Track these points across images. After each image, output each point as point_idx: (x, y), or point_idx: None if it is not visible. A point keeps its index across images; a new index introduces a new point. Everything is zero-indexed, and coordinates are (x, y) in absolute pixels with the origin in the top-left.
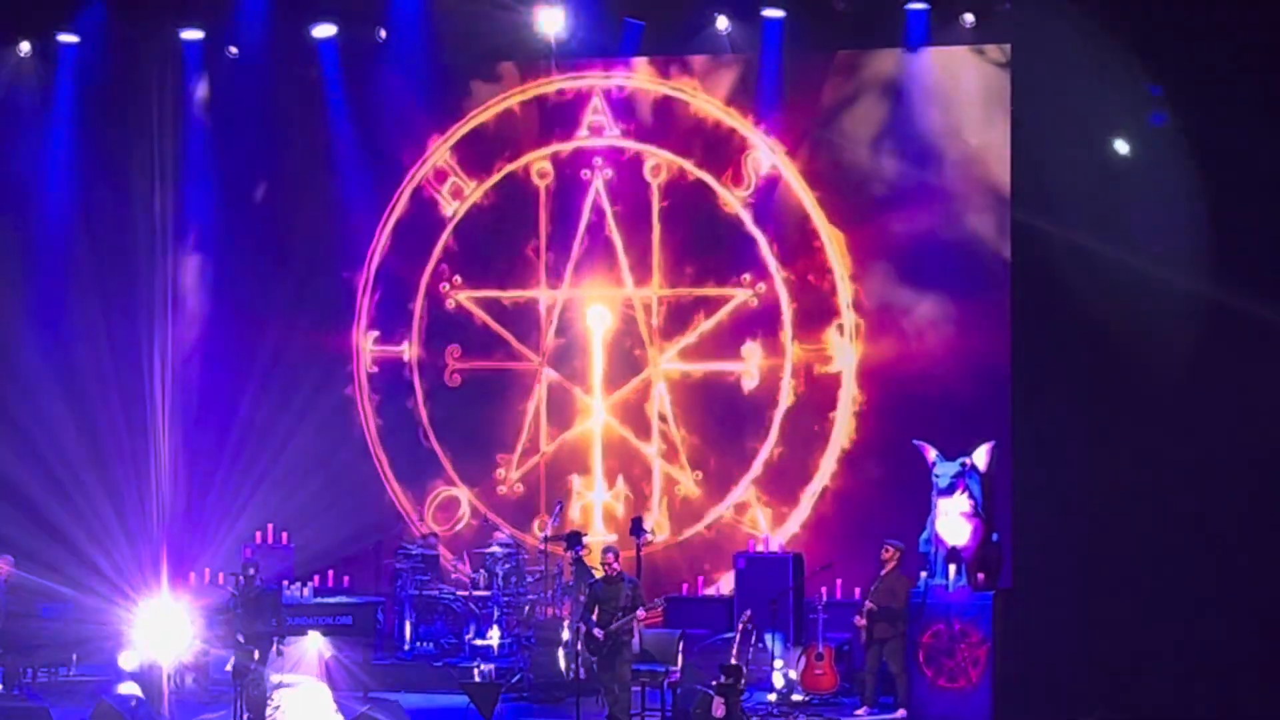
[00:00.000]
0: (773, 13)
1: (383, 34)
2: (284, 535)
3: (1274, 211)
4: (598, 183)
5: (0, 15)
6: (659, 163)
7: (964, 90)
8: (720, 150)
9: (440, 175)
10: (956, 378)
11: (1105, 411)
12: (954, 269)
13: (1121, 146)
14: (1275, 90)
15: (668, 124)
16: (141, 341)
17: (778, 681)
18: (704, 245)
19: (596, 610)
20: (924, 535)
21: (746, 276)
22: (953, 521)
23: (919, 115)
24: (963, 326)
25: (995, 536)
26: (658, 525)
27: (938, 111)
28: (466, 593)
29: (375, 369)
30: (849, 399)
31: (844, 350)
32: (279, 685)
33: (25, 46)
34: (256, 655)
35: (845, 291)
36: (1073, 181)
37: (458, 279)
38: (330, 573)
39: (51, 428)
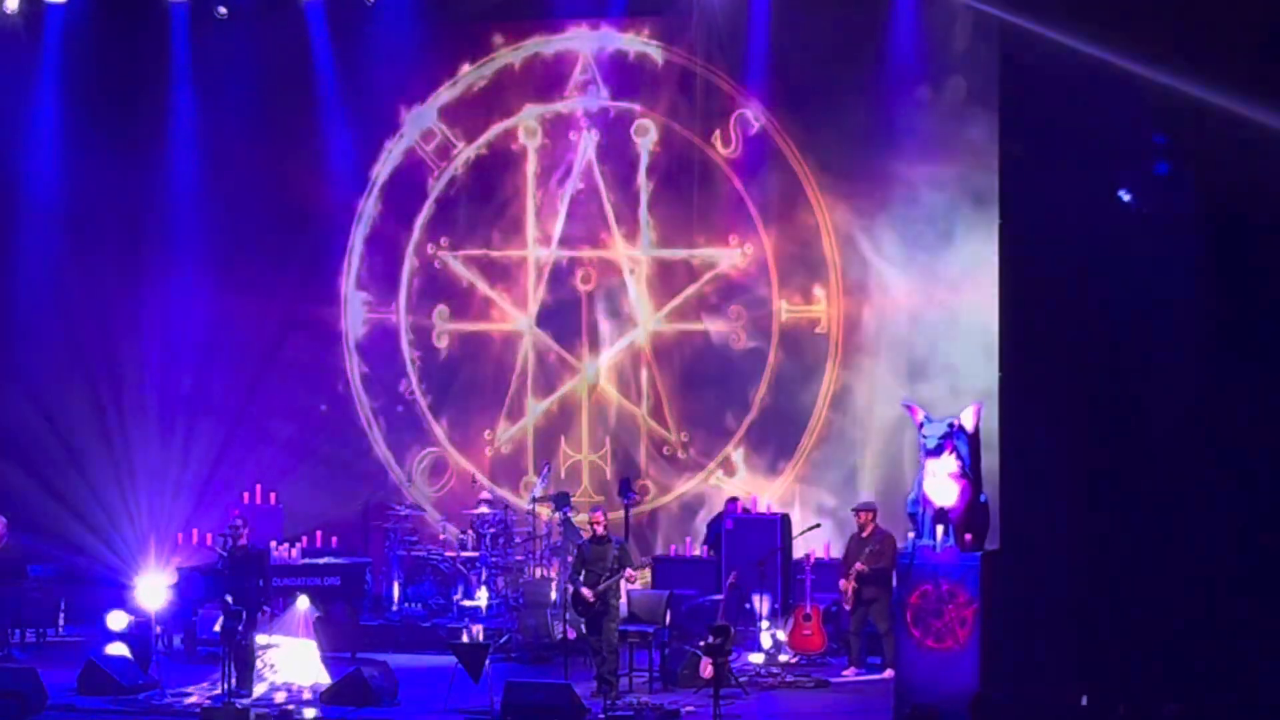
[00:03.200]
0: None
1: None
2: (272, 495)
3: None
4: (585, 143)
5: None
6: (646, 123)
7: (952, 40)
8: (707, 110)
9: (428, 136)
10: (945, 337)
11: (1095, 370)
12: (942, 225)
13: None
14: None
15: (655, 84)
16: (129, 301)
17: (765, 642)
18: (691, 205)
19: (584, 571)
20: (911, 496)
21: (734, 237)
22: (940, 482)
23: (906, 69)
24: (951, 285)
25: (983, 497)
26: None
27: (925, 65)
28: (454, 554)
29: (364, 329)
30: (836, 358)
31: (832, 309)
32: (266, 645)
33: (12, 3)
34: (244, 616)
35: (833, 250)
36: (1064, 138)
37: (445, 240)
38: (319, 533)
39: (40, 384)
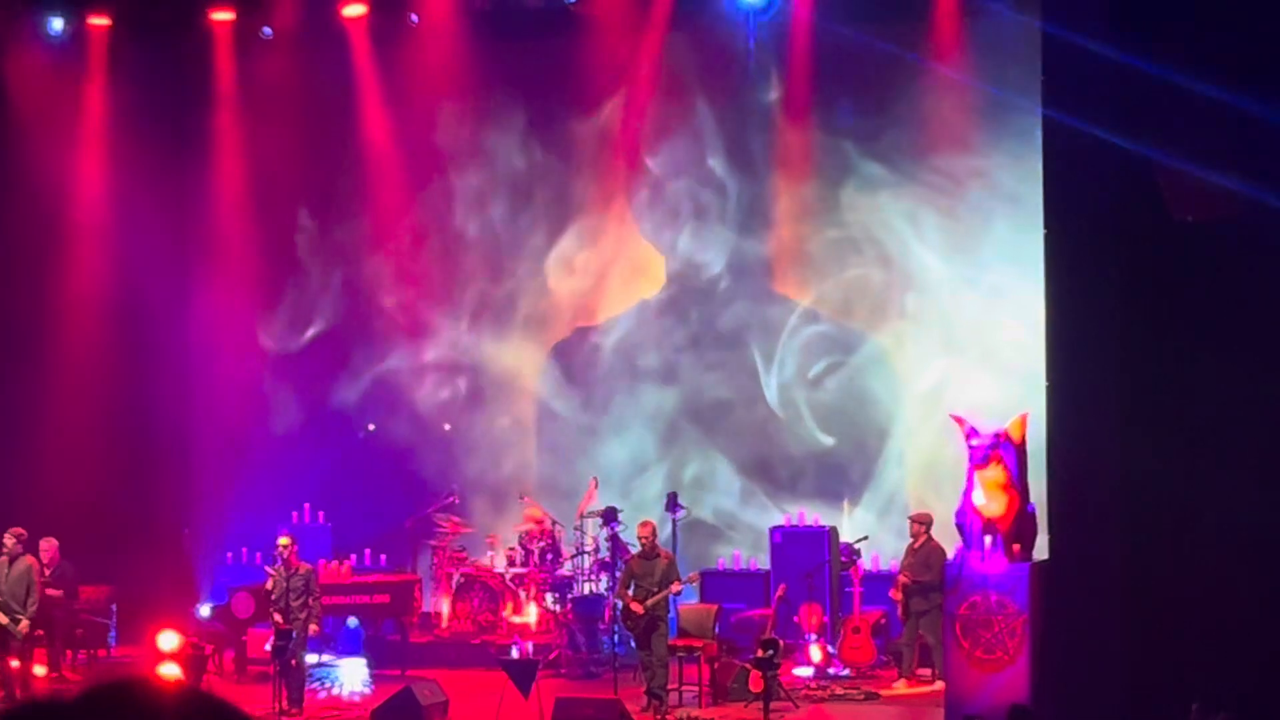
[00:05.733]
0: None
1: (415, 18)
2: (320, 514)
3: None
4: None
5: None
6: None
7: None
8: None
9: None
10: (991, 346)
11: (1143, 378)
12: (986, 234)
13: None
14: None
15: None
16: (176, 318)
17: (815, 655)
18: None
19: (633, 585)
20: (958, 507)
21: None
22: (988, 493)
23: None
24: (998, 291)
25: (1031, 507)
26: None
27: (967, 67)
28: (505, 570)
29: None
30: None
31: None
32: (318, 663)
33: (58, 24)
34: (293, 634)
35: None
36: (1107, 150)
37: None
38: (367, 551)
39: (89, 402)
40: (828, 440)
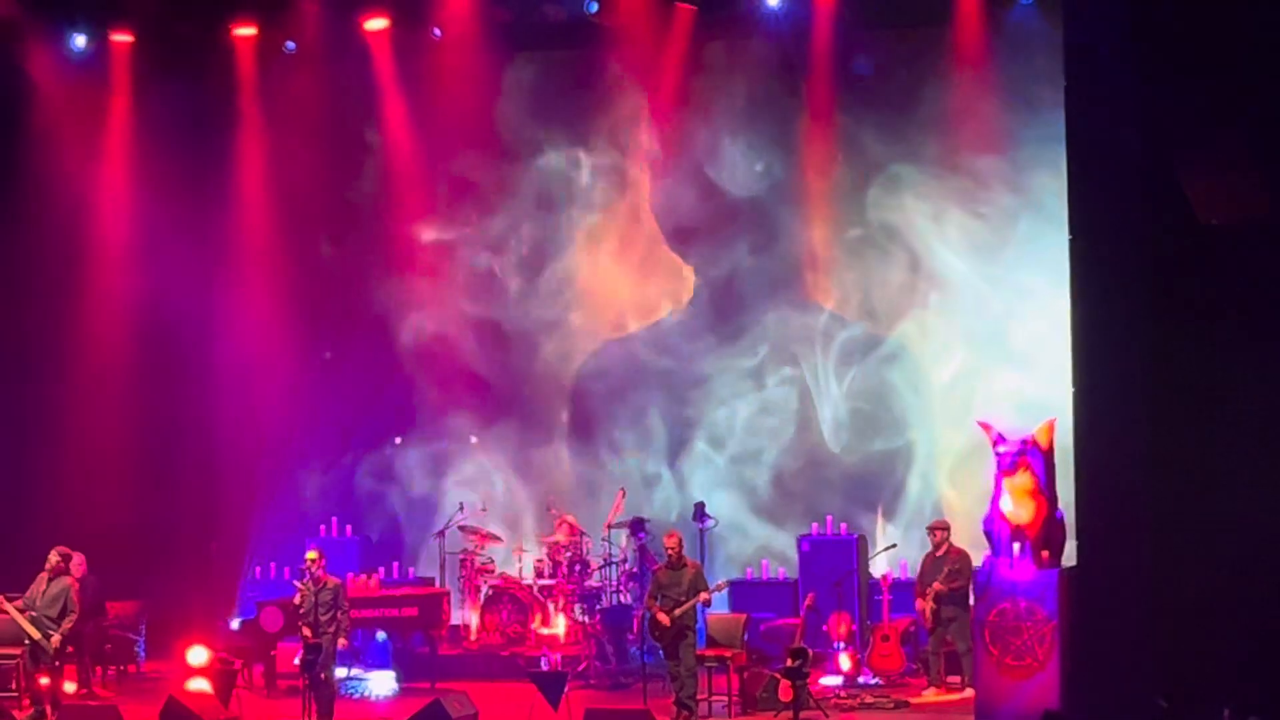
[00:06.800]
0: None
1: (438, 32)
2: (348, 528)
3: None
4: None
5: (55, 11)
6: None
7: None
8: None
9: None
10: (1016, 350)
11: (1170, 383)
12: (1011, 235)
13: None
14: None
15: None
16: (202, 332)
17: (844, 664)
18: None
19: (660, 595)
20: (987, 514)
21: None
22: (1016, 500)
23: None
24: (1022, 292)
25: (1059, 514)
26: None
27: (991, 70)
28: (533, 582)
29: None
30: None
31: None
32: (346, 677)
33: (81, 40)
34: (322, 649)
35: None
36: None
37: None
38: (395, 564)
39: (116, 416)
40: (855, 449)
